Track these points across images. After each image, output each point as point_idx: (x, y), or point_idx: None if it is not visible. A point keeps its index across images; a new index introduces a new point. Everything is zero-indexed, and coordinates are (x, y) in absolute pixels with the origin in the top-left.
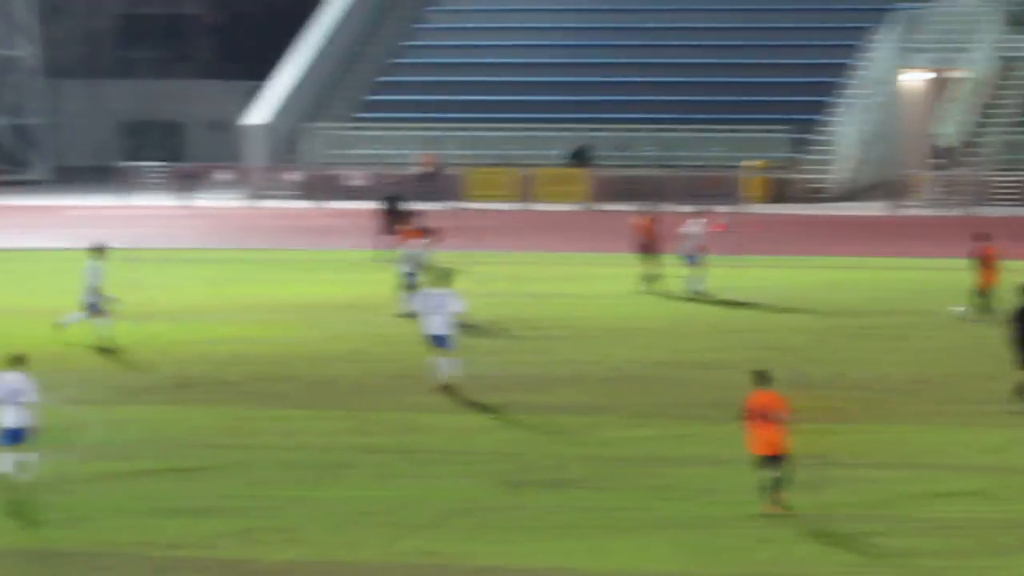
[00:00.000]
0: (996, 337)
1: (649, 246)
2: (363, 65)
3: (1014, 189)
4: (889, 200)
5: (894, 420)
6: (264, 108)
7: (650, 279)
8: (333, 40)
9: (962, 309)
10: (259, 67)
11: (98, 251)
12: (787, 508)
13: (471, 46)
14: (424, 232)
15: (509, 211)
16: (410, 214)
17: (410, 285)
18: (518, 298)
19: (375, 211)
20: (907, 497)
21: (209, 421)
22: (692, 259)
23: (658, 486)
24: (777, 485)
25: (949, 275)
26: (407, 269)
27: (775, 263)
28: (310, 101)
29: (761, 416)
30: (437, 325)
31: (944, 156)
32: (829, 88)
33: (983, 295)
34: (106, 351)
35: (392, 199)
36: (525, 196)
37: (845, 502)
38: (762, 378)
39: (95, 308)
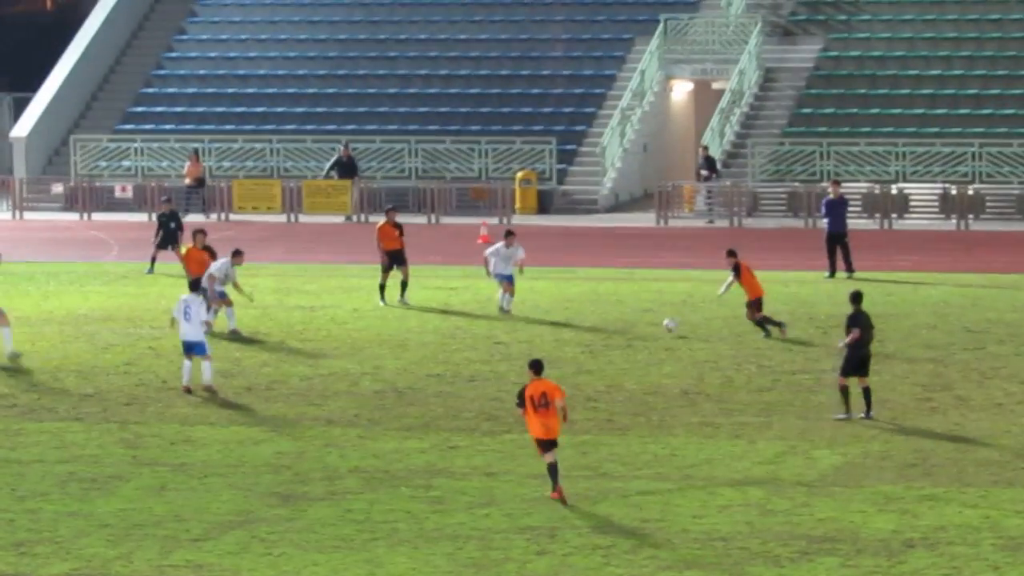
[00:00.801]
0: (768, 348)
1: (396, 254)
2: (126, 76)
3: (782, 200)
4: (657, 211)
5: (668, 433)
6: (28, 120)
7: (402, 287)
8: (95, 51)
9: (673, 324)
10: (24, 79)
11: None
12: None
13: (234, 57)
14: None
15: (275, 223)
16: (181, 229)
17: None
18: (287, 310)
19: (153, 224)
20: (684, 509)
21: None
22: (504, 277)
23: (433, 498)
24: (555, 471)
25: (714, 286)
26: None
27: (543, 275)
28: (74, 112)
29: (539, 403)
30: (190, 331)
31: (711, 167)
32: (595, 99)
33: (754, 307)
34: None
35: (169, 214)
36: (292, 208)
37: (621, 514)
38: (537, 367)
39: None
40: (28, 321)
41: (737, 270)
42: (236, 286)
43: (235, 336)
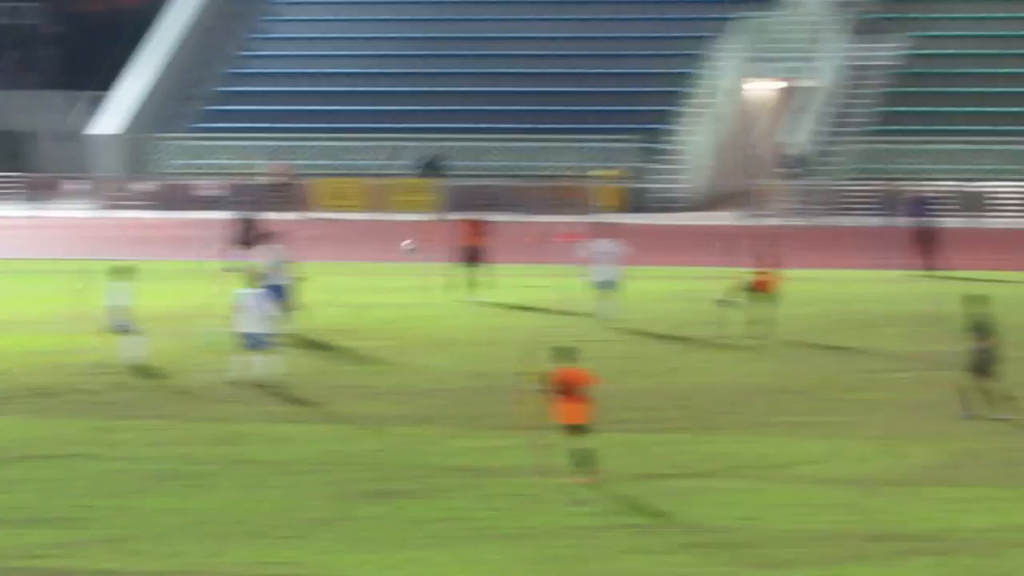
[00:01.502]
0: (860, 347)
1: (473, 254)
2: (207, 74)
3: (868, 199)
4: (741, 210)
5: (760, 431)
6: (111, 118)
7: (473, 287)
8: (176, 50)
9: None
10: (103, 77)
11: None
12: (597, 476)
13: (318, 57)
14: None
15: (359, 221)
16: (261, 225)
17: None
18: (377, 308)
19: (228, 222)
20: (777, 508)
21: (74, 433)
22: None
23: (526, 495)
24: (586, 457)
25: (802, 285)
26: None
27: (629, 273)
28: (156, 111)
29: (567, 390)
30: (252, 324)
31: (794, 166)
32: (676, 97)
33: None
34: None
35: (246, 211)
36: (375, 206)
37: (714, 513)
38: (566, 354)
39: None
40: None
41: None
42: None
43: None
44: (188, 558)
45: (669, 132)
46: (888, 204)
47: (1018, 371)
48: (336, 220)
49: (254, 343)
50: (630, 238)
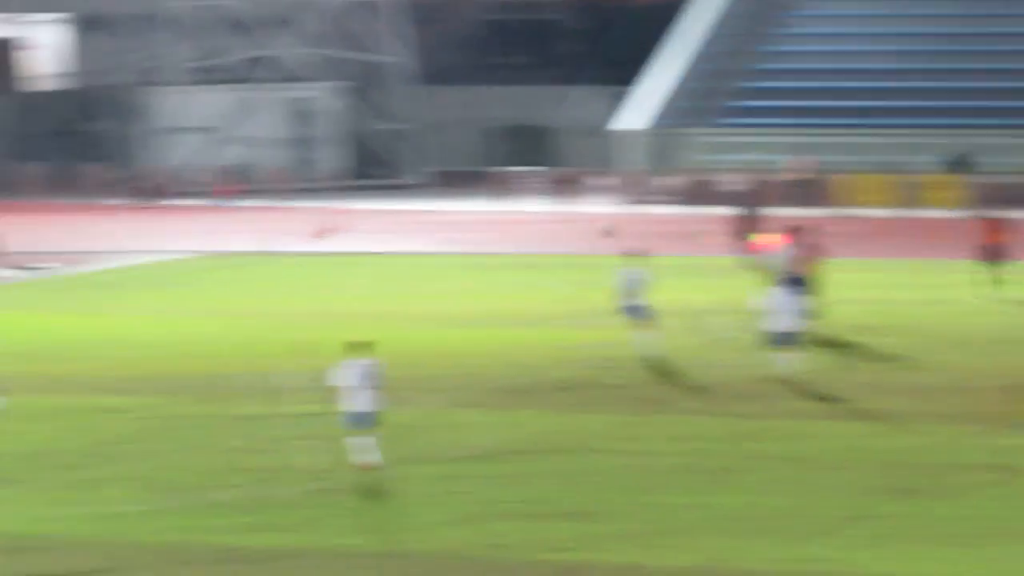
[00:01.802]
0: None
1: (995, 252)
2: (733, 69)
3: None
4: None
5: None
6: (636, 112)
7: (996, 284)
8: (702, 44)
9: None
10: (627, 71)
11: (635, 257)
12: None
13: (844, 52)
14: (789, 235)
15: (882, 217)
16: (762, 219)
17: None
18: (898, 304)
19: (732, 216)
20: None
21: (595, 426)
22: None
23: (1013, 495)
24: None
25: None
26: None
27: None
28: (682, 106)
29: None
30: (784, 322)
31: None
32: None
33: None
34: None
35: (749, 204)
36: (900, 202)
37: None
38: None
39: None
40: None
41: None
42: None
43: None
44: (711, 553)
45: None
46: None
47: None
48: (860, 216)
49: (783, 341)
50: None
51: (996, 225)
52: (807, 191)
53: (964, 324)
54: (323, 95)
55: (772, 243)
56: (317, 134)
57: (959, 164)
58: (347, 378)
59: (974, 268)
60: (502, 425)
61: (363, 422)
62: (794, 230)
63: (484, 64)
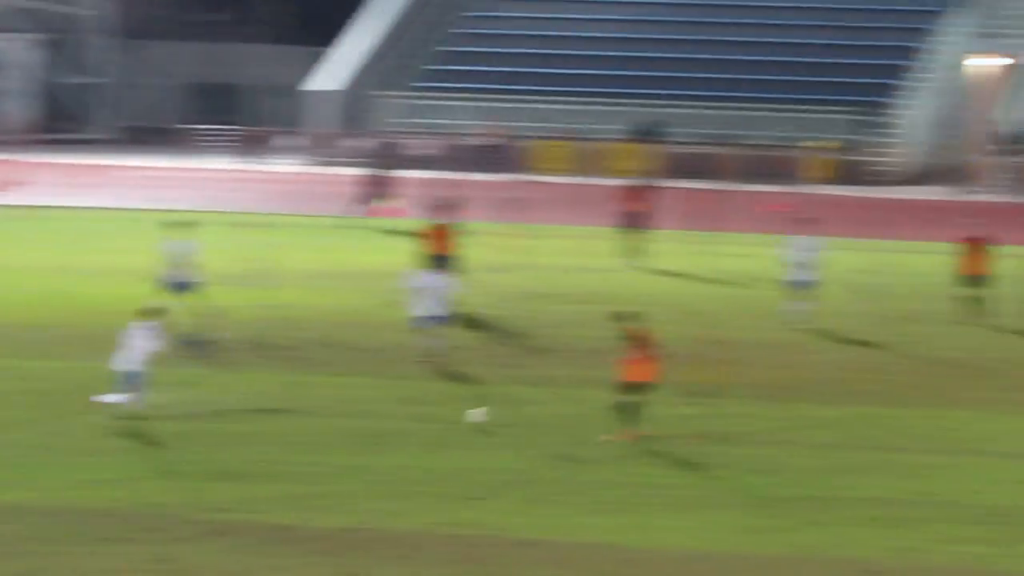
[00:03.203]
0: None
1: (638, 219)
2: (430, 34)
3: None
4: (953, 185)
5: (953, 405)
6: (329, 74)
7: (633, 253)
8: (400, 9)
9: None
10: (319, 33)
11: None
12: (636, 437)
13: (538, 18)
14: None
15: (571, 184)
16: (393, 182)
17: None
18: (576, 272)
19: (363, 177)
20: (966, 482)
21: (264, 387)
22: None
23: (713, 464)
24: (635, 414)
25: (1013, 262)
26: None
27: (837, 245)
28: (377, 69)
29: (637, 347)
30: (428, 306)
31: (1008, 143)
32: (895, 70)
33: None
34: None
35: (381, 163)
36: (589, 170)
37: (903, 486)
38: (626, 317)
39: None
40: (321, 275)
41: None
42: None
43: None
44: (364, 515)
45: (886, 105)
46: None
47: None
48: (546, 183)
49: (429, 323)
50: (835, 210)
51: (641, 193)
52: (496, 156)
53: (631, 292)
54: (15, 46)
55: (397, 209)
56: (9, 86)
57: (648, 133)
58: (134, 340)
59: (619, 235)
60: (178, 386)
61: (132, 381)
62: (441, 205)
63: (184, 20)
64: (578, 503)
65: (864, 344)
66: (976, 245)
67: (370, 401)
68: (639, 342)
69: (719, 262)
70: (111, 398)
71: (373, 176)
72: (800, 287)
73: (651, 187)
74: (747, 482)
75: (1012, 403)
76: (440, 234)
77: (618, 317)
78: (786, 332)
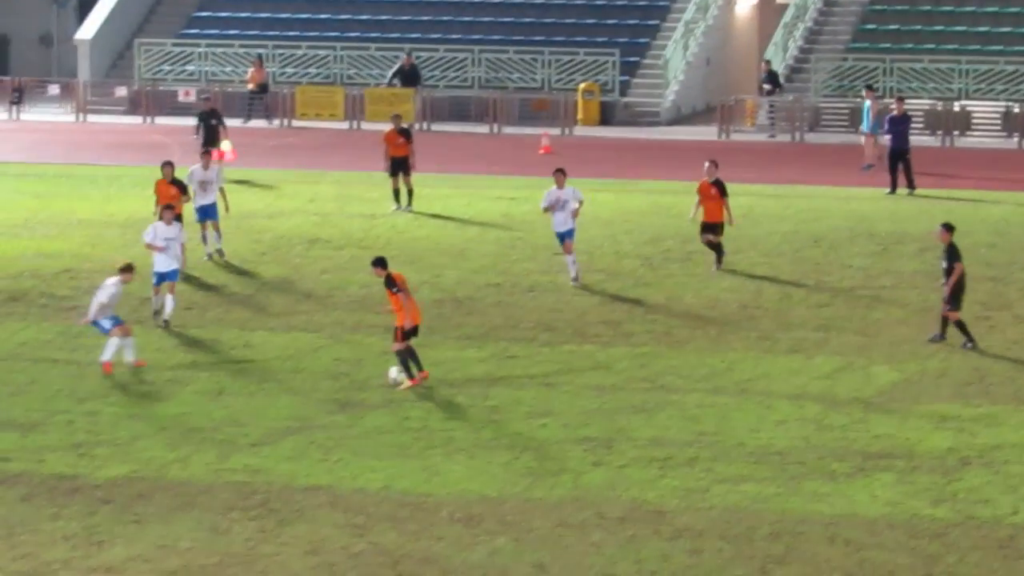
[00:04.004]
0: (826, 263)
1: (401, 162)
2: None
3: (844, 116)
4: (719, 125)
5: (726, 347)
6: (92, 23)
7: (402, 197)
8: None
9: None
10: None
11: None
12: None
13: None
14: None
15: (337, 130)
16: (224, 127)
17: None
18: (347, 218)
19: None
20: (740, 423)
21: (39, 335)
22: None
23: (490, 407)
24: (415, 358)
25: (775, 201)
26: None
27: (604, 187)
28: (138, 16)
29: (401, 292)
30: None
31: (773, 82)
32: (658, 12)
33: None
34: None
35: (209, 112)
36: (354, 115)
37: (678, 427)
38: (380, 262)
39: None
40: (89, 224)
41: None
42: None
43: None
44: (144, 463)
45: (650, 46)
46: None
47: (989, 291)
48: (312, 129)
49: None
50: (601, 152)
51: (400, 137)
52: (264, 103)
53: (402, 237)
54: None
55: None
56: None
57: (411, 77)
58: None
59: (387, 180)
60: None
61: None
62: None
63: None
64: (358, 448)
65: (634, 286)
66: (709, 190)
67: (146, 351)
68: (401, 286)
69: (487, 205)
70: None
71: (206, 125)
72: (563, 237)
73: (412, 132)
74: (526, 425)
75: (781, 343)
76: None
77: (377, 262)
78: (556, 275)
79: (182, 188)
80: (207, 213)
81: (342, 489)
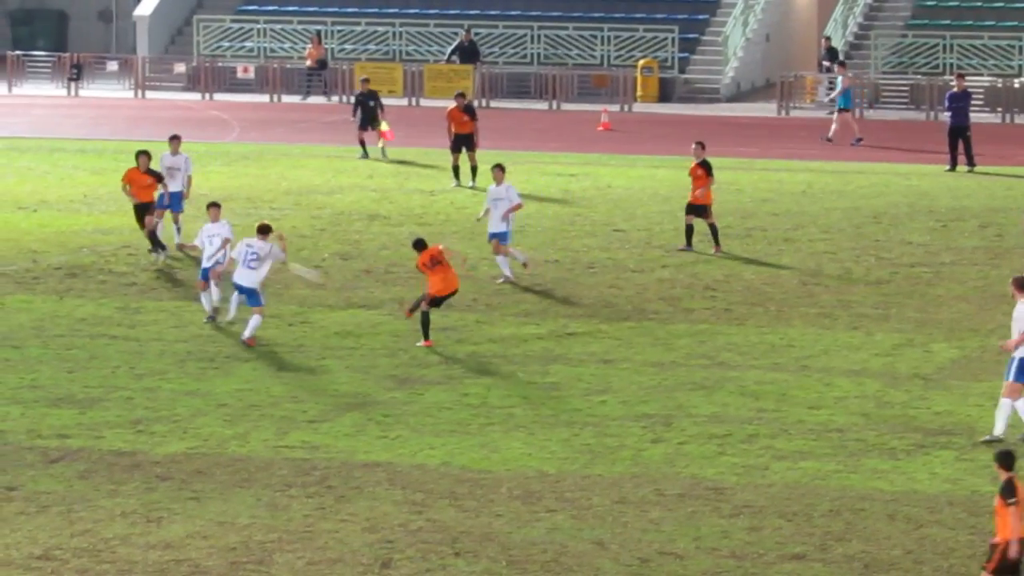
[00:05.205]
0: (886, 239)
1: (466, 139)
2: None
3: (904, 92)
4: (778, 102)
5: (785, 323)
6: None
7: (464, 173)
8: None
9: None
10: None
11: None
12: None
13: None
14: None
15: (396, 106)
16: (382, 108)
17: None
18: (406, 194)
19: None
20: (800, 400)
21: (98, 311)
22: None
23: (549, 384)
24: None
25: (835, 177)
26: None
27: (663, 163)
28: None
29: (435, 263)
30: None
31: (833, 58)
32: None
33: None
34: None
35: (367, 93)
36: (413, 91)
37: (737, 404)
38: (419, 242)
39: None
40: None
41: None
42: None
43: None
44: (204, 440)
45: (710, 22)
46: (924, 99)
47: None
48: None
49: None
50: (660, 128)
51: (468, 114)
52: (323, 79)
53: (463, 213)
54: None
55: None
56: None
57: (466, 54)
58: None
59: (450, 156)
60: (3, 311)
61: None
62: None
63: None
64: (417, 425)
65: (693, 263)
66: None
67: (203, 326)
68: (438, 258)
69: (546, 182)
70: None
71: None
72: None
73: (475, 109)
74: (585, 402)
75: (841, 319)
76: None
77: (415, 245)
78: (615, 252)
79: (157, 177)
80: (172, 203)
81: (401, 465)
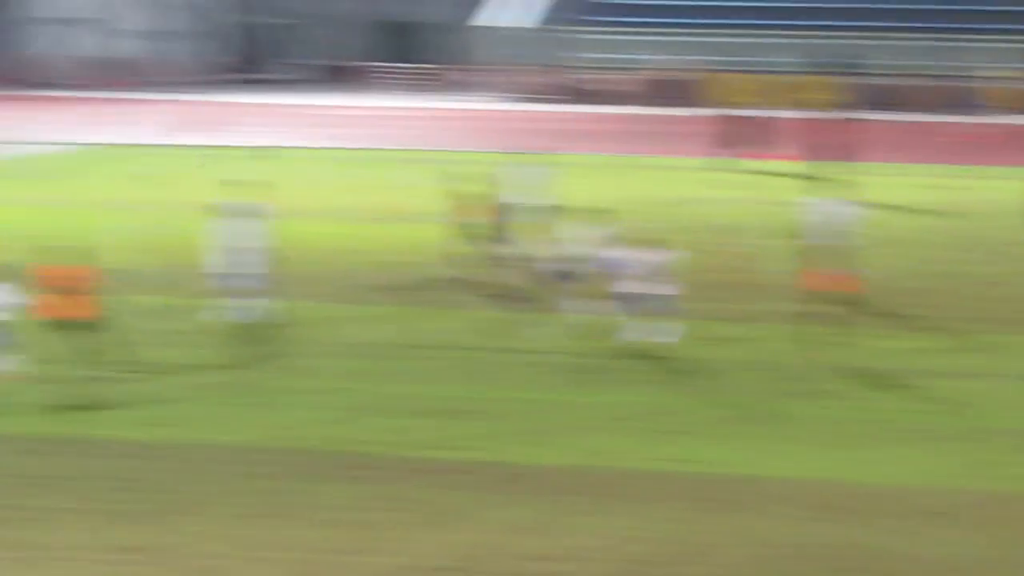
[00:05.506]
0: None
1: (833, 151)
2: None
3: None
4: None
5: None
6: (506, 9)
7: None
8: None
9: None
10: None
11: None
12: None
13: None
14: None
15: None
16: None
17: None
18: (768, 205)
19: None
20: None
21: (456, 324)
22: None
23: (916, 397)
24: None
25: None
26: None
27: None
28: (565, 4)
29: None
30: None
31: None
32: None
33: None
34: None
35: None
36: (776, 103)
37: None
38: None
39: None
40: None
41: None
42: None
43: None
44: (584, 453)
45: None
46: None
47: None
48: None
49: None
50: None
51: (835, 126)
52: (678, 90)
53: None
54: None
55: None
56: (190, 27)
57: (841, 65)
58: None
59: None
60: (376, 321)
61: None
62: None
63: None
64: (808, 438)
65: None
66: None
67: (577, 337)
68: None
69: (923, 194)
70: None
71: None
72: None
73: (845, 120)
74: (994, 418)
75: None
76: None
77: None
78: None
79: None
80: None
81: (785, 480)
